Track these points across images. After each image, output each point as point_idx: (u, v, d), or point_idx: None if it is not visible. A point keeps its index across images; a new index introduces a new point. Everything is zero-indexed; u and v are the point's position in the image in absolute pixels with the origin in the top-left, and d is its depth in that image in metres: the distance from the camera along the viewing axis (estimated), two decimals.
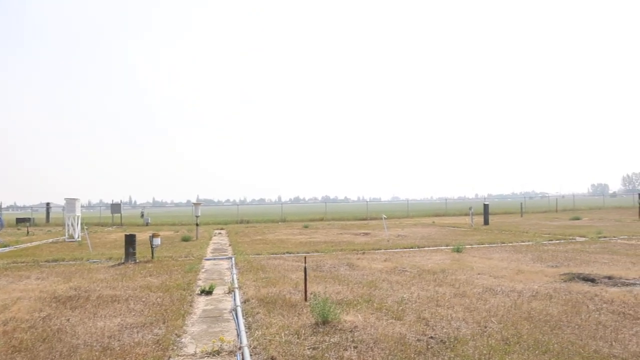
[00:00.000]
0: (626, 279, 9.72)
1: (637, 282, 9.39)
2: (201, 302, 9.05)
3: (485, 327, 6.67)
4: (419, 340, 6.18)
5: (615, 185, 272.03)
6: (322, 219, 45.45)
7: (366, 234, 25.59)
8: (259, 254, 16.54)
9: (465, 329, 6.64)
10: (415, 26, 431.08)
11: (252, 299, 8.96)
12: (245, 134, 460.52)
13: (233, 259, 15.36)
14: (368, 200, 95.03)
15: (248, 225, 39.39)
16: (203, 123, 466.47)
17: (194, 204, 28.54)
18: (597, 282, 9.55)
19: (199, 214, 27.08)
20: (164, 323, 7.34)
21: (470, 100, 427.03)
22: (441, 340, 6.13)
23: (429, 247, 17.82)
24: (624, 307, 7.61)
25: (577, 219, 35.37)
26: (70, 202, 25.92)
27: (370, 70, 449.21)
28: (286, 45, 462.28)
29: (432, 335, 6.38)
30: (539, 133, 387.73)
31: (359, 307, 8.04)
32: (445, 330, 6.60)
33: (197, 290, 10.06)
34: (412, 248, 17.52)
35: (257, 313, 7.86)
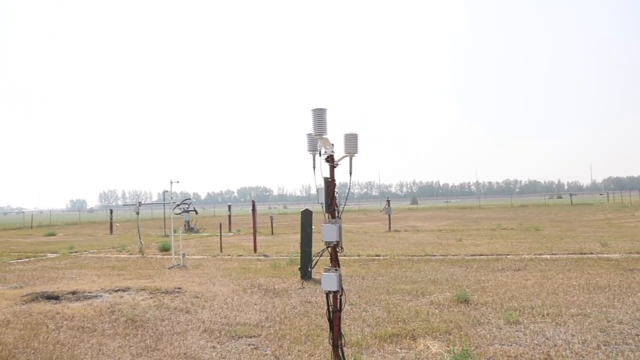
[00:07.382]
0: (89, 292, 10.04)
1: (99, 294, 9.85)
2: None
3: None
4: None
5: (93, 202, 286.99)
6: None
7: None
8: None
9: None
10: None
11: None
12: None
13: None
14: None
15: None
16: None
17: None
18: (61, 299, 9.46)
19: None
20: None
21: None
22: None
23: None
24: (84, 321, 7.77)
25: (53, 234, 34.89)
26: None
27: None
28: None
29: None
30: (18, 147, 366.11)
31: None
32: None
33: None
34: None
35: None
